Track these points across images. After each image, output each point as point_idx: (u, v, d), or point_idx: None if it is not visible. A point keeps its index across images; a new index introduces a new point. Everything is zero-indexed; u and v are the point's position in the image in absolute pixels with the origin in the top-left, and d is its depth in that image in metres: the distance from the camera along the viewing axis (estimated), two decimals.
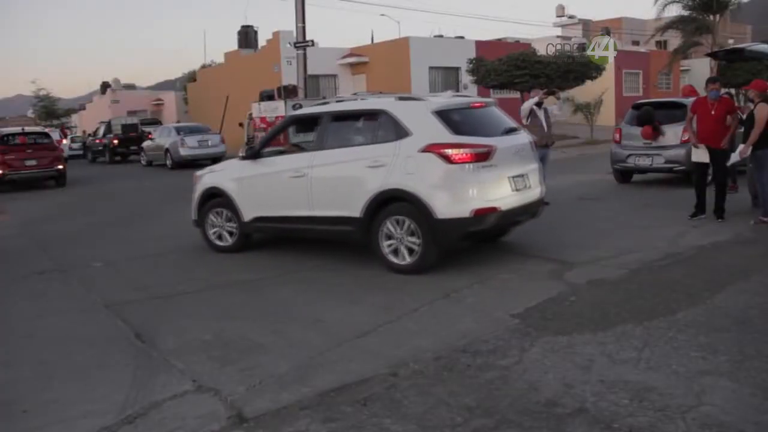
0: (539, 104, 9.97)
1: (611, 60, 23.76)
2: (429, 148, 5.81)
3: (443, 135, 5.85)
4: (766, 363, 3.68)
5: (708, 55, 13.22)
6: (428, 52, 25.03)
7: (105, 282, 6.55)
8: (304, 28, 17.89)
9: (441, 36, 29.81)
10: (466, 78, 24.50)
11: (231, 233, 7.47)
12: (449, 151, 5.76)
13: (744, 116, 8.41)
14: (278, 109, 14.28)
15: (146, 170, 22.07)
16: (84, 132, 32.63)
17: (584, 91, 23.74)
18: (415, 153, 5.88)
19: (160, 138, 22.36)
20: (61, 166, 17.31)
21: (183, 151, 20.65)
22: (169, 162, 21.44)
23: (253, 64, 26.58)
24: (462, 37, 28.49)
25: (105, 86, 48.39)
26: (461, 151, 5.76)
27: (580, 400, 3.33)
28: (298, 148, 7.28)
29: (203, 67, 37.38)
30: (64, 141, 29.85)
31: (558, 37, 32.28)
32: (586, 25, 43.92)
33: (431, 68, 25.27)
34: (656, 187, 11.43)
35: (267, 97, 15.46)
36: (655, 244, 6.80)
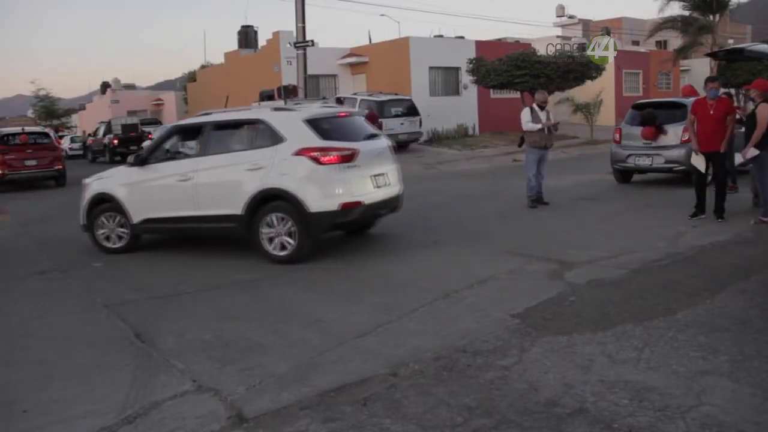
0: (541, 106, 9.97)
1: (611, 60, 23.74)
2: (301, 152, 6.66)
3: (313, 140, 6.70)
4: (766, 363, 3.68)
5: (708, 55, 13.19)
6: (428, 52, 25.00)
7: (105, 282, 6.55)
8: (304, 28, 17.89)
9: (441, 36, 29.77)
10: (466, 78, 24.49)
11: (120, 236, 7.90)
12: (318, 154, 6.64)
13: (744, 116, 8.41)
14: None
15: None
16: (84, 132, 32.59)
17: (584, 91, 23.73)
18: (289, 156, 6.69)
19: None
20: (60, 166, 17.32)
21: None
22: None
23: (253, 64, 26.57)
24: (462, 37, 28.45)
25: (105, 86, 48.42)
26: (329, 153, 6.65)
27: (580, 400, 3.33)
28: (182, 154, 7.76)
29: (203, 67, 37.37)
30: (62, 142, 29.83)
31: (558, 37, 32.27)
32: (586, 25, 43.91)
33: (431, 68, 25.23)
34: (656, 187, 11.43)
35: (267, 97, 15.47)
36: (655, 244, 6.80)
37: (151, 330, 4.87)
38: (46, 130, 20.60)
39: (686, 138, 9.72)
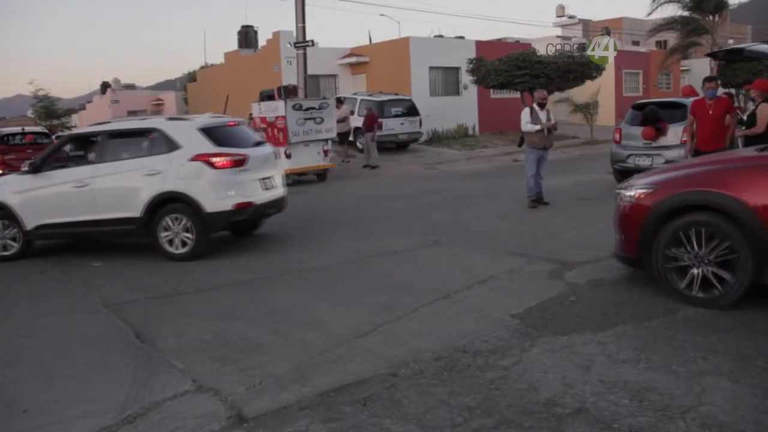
0: (541, 105, 9.96)
1: (611, 60, 23.72)
2: (197, 158, 7.22)
3: (208, 147, 7.28)
4: (766, 363, 3.68)
5: (708, 55, 13.20)
6: (428, 52, 24.99)
7: (105, 282, 6.55)
8: (304, 28, 17.87)
9: (441, 36, 29.75)
10: (466, 78, 24.48)
11: (13, 242, 7.99)
12: (213, 159, 7.23)
13: (745, 116, 8.40)
14: (278, 109, 14.27)
15: None
16: None
17: (585, 91, 23.73)
18: (186, 162, 7.24)
19: None
20: None
21: None
22: None
23: (253, 64, 26.55)
24: (462, 37, 28.43)
25: (105, 86, 48.35)
26: (222, 158, 7.26)
27: (580, 400, 3.33)
28: (77, 162, 8.02)
29: (203, 67, 37.34)
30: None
31: (558, 37, 32.26)
32: (586, 25, 43.91)
33: (431, 68, 25.21)
34: None
35: (267, 97, 15.44)
36: None
37: (151, 330, 4.87)
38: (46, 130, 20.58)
39: (686, 139, 9.71)
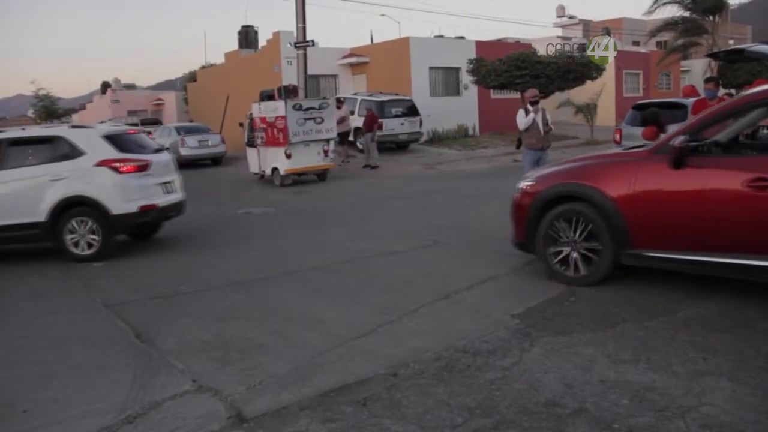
0: (533, 103, 9.94)
1: (611, 60, 23.74)
2: (102, 163, 7.57)
3: (112, 153, 7.67)
4: (766, 363, 3.68)
5: (708, 55, 13.21)
6: (428, 52, 25.00)
7: (105, 282, 6.55)
8: (304, 28, 17.88)
9: (441, 36, 29.76)
10: (466, 78, 24.48)
11: None
12: (118, 164, 7.62)
13: None
14: (278, 109, 14.28)
15: None
16: None
17: (585, 92, 23.73)
18: (91, 167, 7.56)
19: (161, 138, 22.31)
20: None
21: (183, 151, 20.64)
22: None
23: (253, 64, 26.54)
24: (462, 37, 28.44)
25: (105, 86, 48.37)
26: (127, 164, 7.66)
27: (580, 400, 3.33)
28: None
29: (203, 67, 37.34)
30: None
31: (558, 37, 32.27)
32: (587, 26, 43.93)
33: (431, 68, 25.22)
34: None
35: (267, 97, 15.44)
36: None
37: (151, 330, 4.87)
38: None
39: None
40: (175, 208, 8.37)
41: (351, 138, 19.81)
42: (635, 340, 4.12)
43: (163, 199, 7.99)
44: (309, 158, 14.69)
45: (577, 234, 5.32)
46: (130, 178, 7.64)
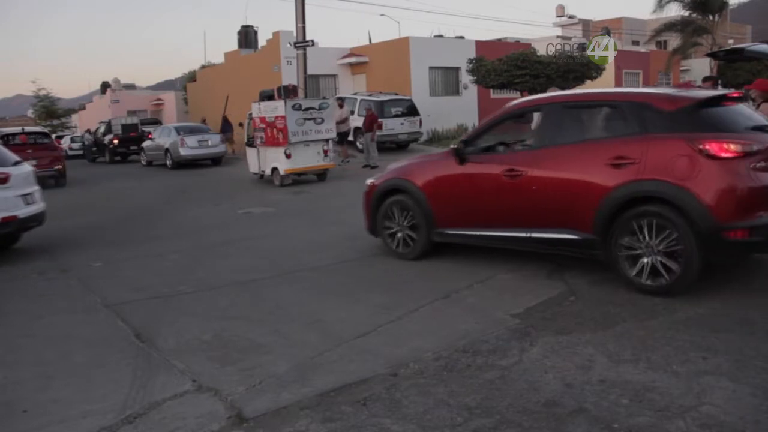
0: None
1: (611, 60, 23.73)
2: None
3: None
4: (766, 363, 3.68)
5: (708, 55, 13.21)
6: (428, 52, 25.02)
7: (105, 282, 6.55)
8: (304, 28, 17.89)
9: (441, 36, 29.78)
10: (466, 78, 24.48)
11: None
12: None
13: None
14: (278, 109, 14.27)
15: (146, 170, 22.07)
16: (88, 130, 32.38)
17: None
18: None
19: (160, 138, 22.36)
20: (60, 166, 17.31)
21: (183, 151, 20.64)
22: (169, 162, 21.43)
23: (253, 64, 26.55)
24: (462, 37, 28.46)
25: (105, 86, 48.35)
26: None
27: (580, 400, 3.34)
28: None
29: (203, 67, 37.32)
30: (61, 142, 29.70)
31: (558, 37, 32.27)
32: (586, 25, 43.93)
33: (431, 68, 25.24)
34: None
35: (267, 97, 15.43)
36: None
37: (151, 330, 4.87)
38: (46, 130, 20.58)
39: None
40: (36, 219, 8.42)
41: (351, 138, 19.81)
42: (635, 340, 4.12)
43: (23, 211, 8.03)
44: (309, 158, 14.68)
45: (403, 219, 6.66)
46: None
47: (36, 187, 8.56)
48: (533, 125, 6.45)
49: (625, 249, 5.09)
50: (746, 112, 5.38)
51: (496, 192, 5.85)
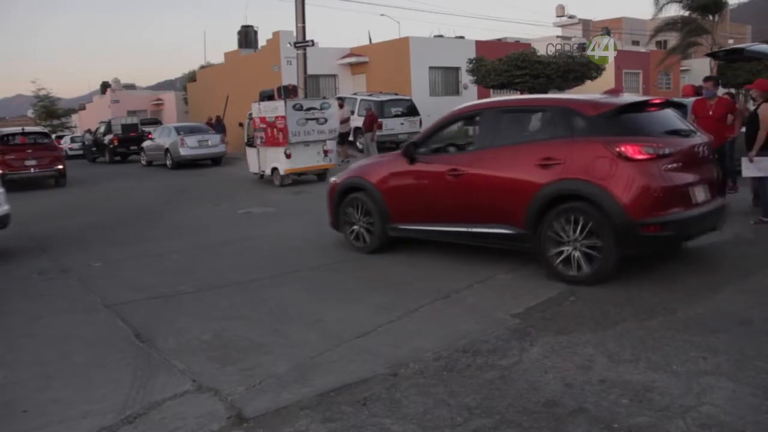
0: None
1: (611, 60, 23.75)
2: None
3: None
4: (766, 363, 3.68)
5: (708, 55, 13.22)
6: (428, 52, 25.02)
7: (105, 282, 6.55)
8: (304, 28, 17.88)
9: (441, 36, 29.79)
10: (466, 78, 24.49)
11: None
12: None
13: (745, 117, 8.39)
14: (278, 109, 14.26)
15: (146, 170, 22.06)
16: (88, 130, 32.39)
17: (584, 91, 23.74)
18: None
19: (160, 138, 22.35)
20: (61, 166, 17.30)
21: (183, 151, 20.63)
22: (169, 162, 21.43)
23: (253, 64, 26.55)
24: (462, 37, 28.48)
25: (105, 86, 48.35)
26: None
27: (580, 400, 3.34)
28: None
29: (203, 67, 37.32)
30: (61, 142, 29.68)
31: (558, 37, 32.30)
32: (586, 25, 43.95)
33: (431, 68, 25.25)
34: None
35: (267, 97, 15.43)
36: None
37: (151, 330, 4.87)
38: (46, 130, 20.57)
39: None
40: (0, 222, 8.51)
41: (351, 138, 19.81)
42: (635, 340, 4.12)
43: None
44: (309, 158, 14.68)
45: (361, 215, 7.05)
46: None
47: (1, 190, 8.62)
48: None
49: (551, 243, 5.47)
50: (667, 117, 5.74)
51: (442, 190, 6.25)
